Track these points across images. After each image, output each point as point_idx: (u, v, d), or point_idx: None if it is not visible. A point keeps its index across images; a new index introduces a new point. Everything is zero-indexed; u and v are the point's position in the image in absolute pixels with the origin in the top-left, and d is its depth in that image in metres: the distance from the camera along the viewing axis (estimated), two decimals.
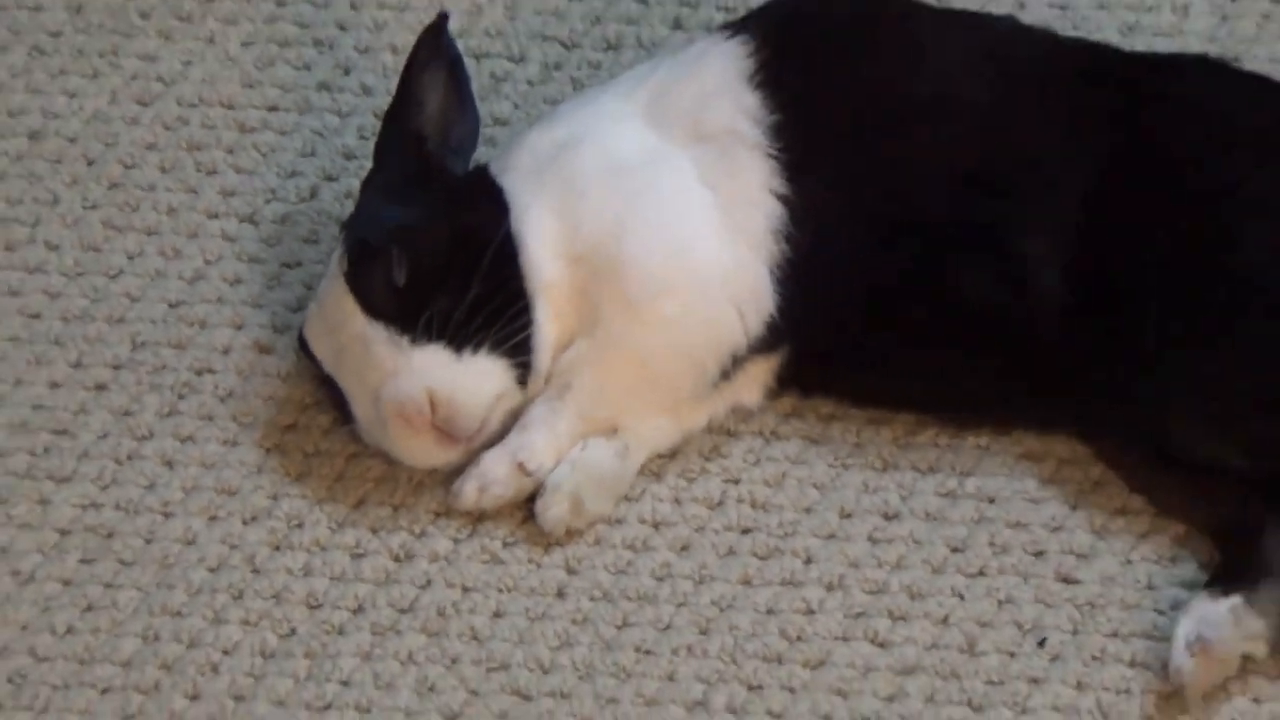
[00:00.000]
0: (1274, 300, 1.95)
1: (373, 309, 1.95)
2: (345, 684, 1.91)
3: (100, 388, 2.05)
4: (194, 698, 1.91)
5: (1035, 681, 1.90)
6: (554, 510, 1.96)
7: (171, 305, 2.09)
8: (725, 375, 2.01)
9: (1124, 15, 2.19)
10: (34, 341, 2.08)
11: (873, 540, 1.97)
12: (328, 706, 1.90)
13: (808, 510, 1.98)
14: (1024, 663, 1.90)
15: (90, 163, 2.16)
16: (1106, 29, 2.16)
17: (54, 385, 2.04)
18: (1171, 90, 2.07)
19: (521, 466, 1.97)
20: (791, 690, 1.89)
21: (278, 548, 1.98)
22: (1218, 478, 1.95)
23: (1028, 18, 2.18)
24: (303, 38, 2.18)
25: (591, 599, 1.95)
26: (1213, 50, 2.16)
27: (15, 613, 1.96)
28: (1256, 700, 1.87)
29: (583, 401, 1.99)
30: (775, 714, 1.89)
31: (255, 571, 1.97)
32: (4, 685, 1.93)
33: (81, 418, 2.04)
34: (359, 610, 1.95)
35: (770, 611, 1.94)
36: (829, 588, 1.95)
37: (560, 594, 1.95)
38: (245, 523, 1.99)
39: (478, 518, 1.99)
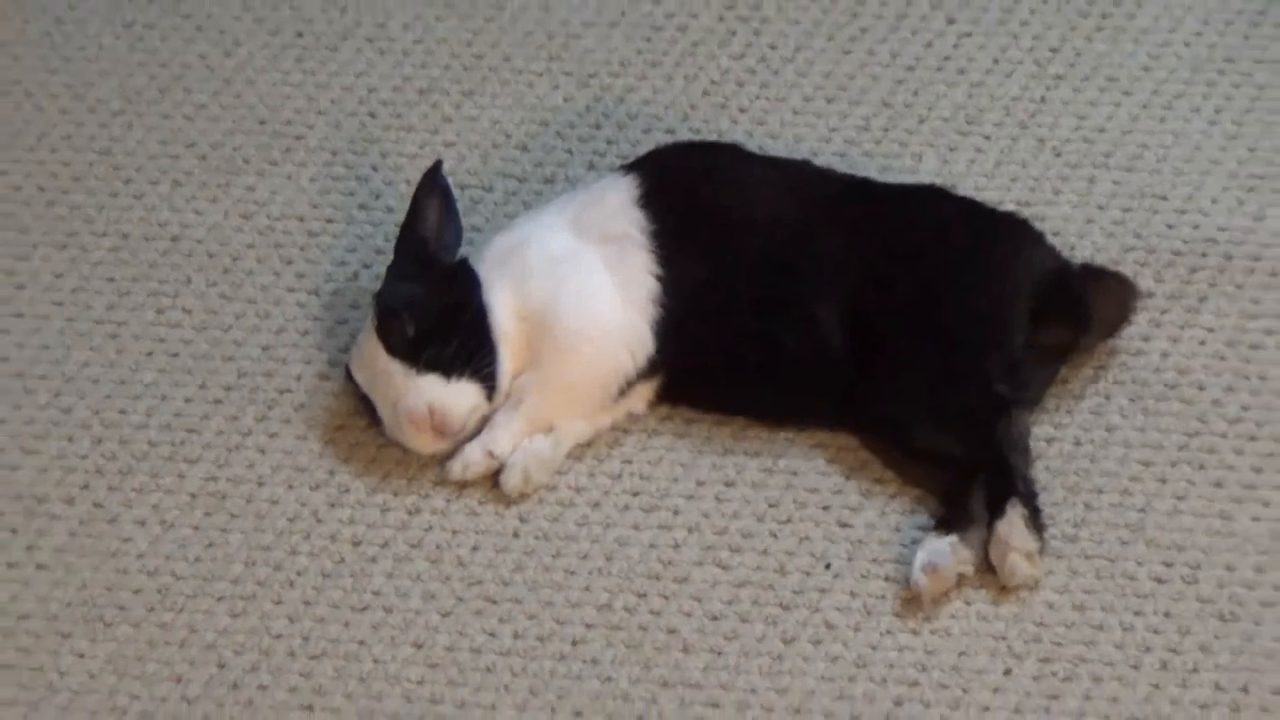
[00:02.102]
0: (966, 348, 1.98)
1: (392, 351, 1.95)
2: (376, 594, 1.91)
3: (217, 402, 2.03)
4: (278, 603, 1.91)
5: (823, 591, 1.90)
6: (512, 481, 1.97)
7: (264, 348, 2.06)
8: (622, 393, 2.02)
9: (880, 161, 2.17)
10: (173, 371, 2.05)
11: (718, 499, 1.97)
12: (365, 608, 1.90)
13: (675, 480, 1.98)
14: (816, 579, 1.91)
15: (210, 255, 2.13)
16: (870, 169, 2.14)
17: (188, 400, 2.02)
18: (909, 207, 2.08)
19: (490, 453, 1.98)
20: (665, 598, 1.90)
21: (332, 505, 1.97)
22: (939, 460, 1.97)
23: (819, 161, 2.17)
24: (348, 175, 2.14)
25: (535, 539, 1.95)
26: (941, 180, 2.15)
27: (161, 549, 1.94)
28: (967, 602, 1.88)
29: (530, 411, 1.99)
30: (655, 612, 1.89)
31: (318, 521, 1.96)
32: (154, 595, 1.91)
33: (205, 421, 2.01)
34: (385, 545, 1.95)
35: (651, 546, 1.94)
36: (689, 530, 1.95)
37: (515, 535, 1.96)
38: (311, 489, 1.98)
39: (461, 486, 1.99)
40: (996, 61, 2.34)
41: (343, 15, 2.43)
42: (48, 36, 2.44)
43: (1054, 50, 2.34)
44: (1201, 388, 2.06)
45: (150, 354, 2.12)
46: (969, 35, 2.35)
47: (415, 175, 2.06)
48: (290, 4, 2.44)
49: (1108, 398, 2.05)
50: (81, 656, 1.91)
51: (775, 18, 2.39)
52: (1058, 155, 2.25)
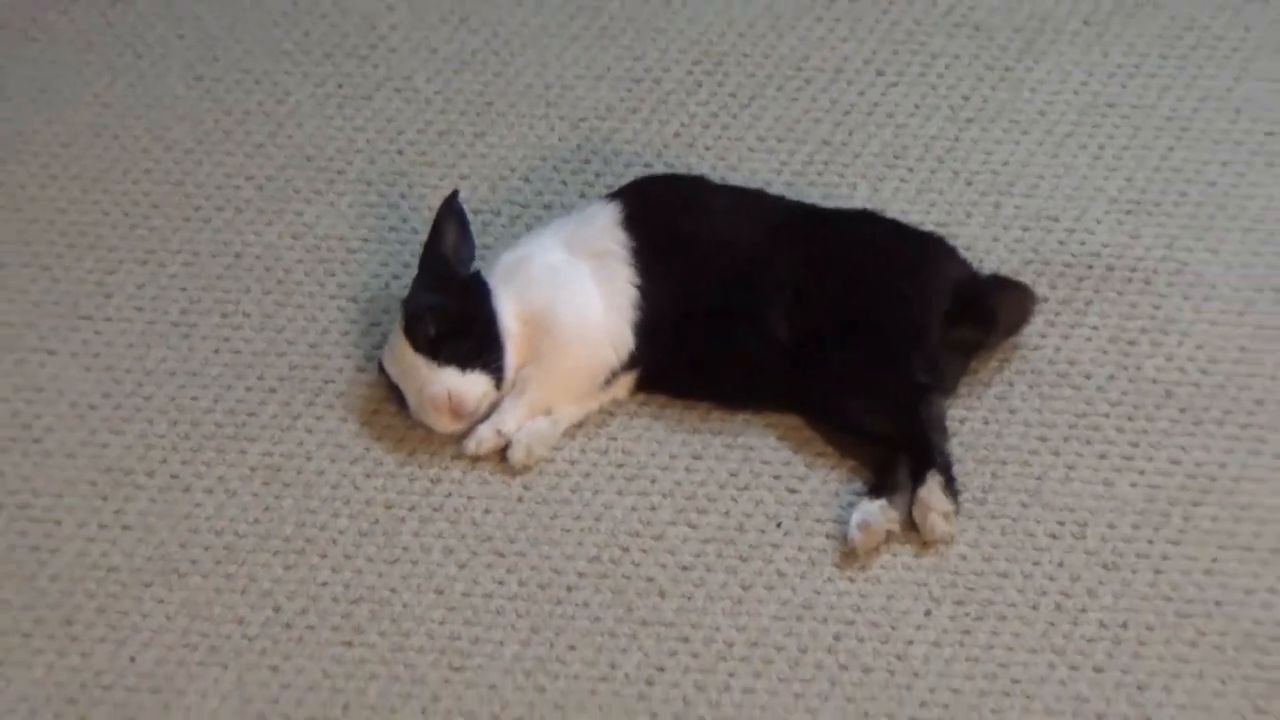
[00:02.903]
0: (893, 346, 1.99)
1: (417, 348, 1.95)
2: (404, 549, 1.92)
3: (272, 390, 2.03)
4: (323, 556, 1.91)
5: (775, 546, 1.91)
6: (517, 454, 1.97)
7: (311, 346, 2.06)
8: (607, 382, 2.02)
9: (821, 189, 2.17)
10: (236, 365, 2.05)
11: (687, 470, 1.97)
12: (395, 561, 1.90)
13: (652, 454, 1.98)
14: (770, 536, 1.92)
15: (266, 269, 2.13)
16: (813, 196, 2.14)
17: (248, 389, 2.02)
18: (844, 228, 2.09)
19: (499, 432, 1.98)
20: (644, 551, 1.90)
21: (368, 475, 1.97)
22: (871, 437, 1.98)
23: (771, 189, 2.17)
24: (380, 202, 2.13)
25: (536, 503, 1.95)
26: (871, 205, 2.14)
27: (226, 512, 1.94)
28: (894, 555, 1.89)
29: (531, 397, 1.99)
30: (635, 564, 1.90)
31: (356, 489, 1.96)
32: (221, 550, 1.92)
33: (262, 406, 2.01)
34: (412, 509, 1.95)
35: (633, 509, 1.94)
36: (664, 495, 1.95)
37: (520, 500, 1.96)
38: (350, 463, 1.98)
39: (475, 460, 1.98)
40: (917, 107, 2.33)
41: (375, 70, 2.42)
42: (131, 88, 2.43)
43: (965, 98, 2.34)
44: (1088, 376, 2.06)
45: (217, 351, 2.12)
46: (895, 85, 2.35)
47: (435, 202, 2.06)
48: (332, 61, 2.43)
49: (1010, 385, 2.05)
50: (160, 602, 1.91)
51: (734, 71, 2.39)
52: (969, 184, 2.25)
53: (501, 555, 1.93)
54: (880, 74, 2.38)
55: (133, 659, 1.87)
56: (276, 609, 1.90)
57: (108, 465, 2.03)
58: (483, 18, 2.50)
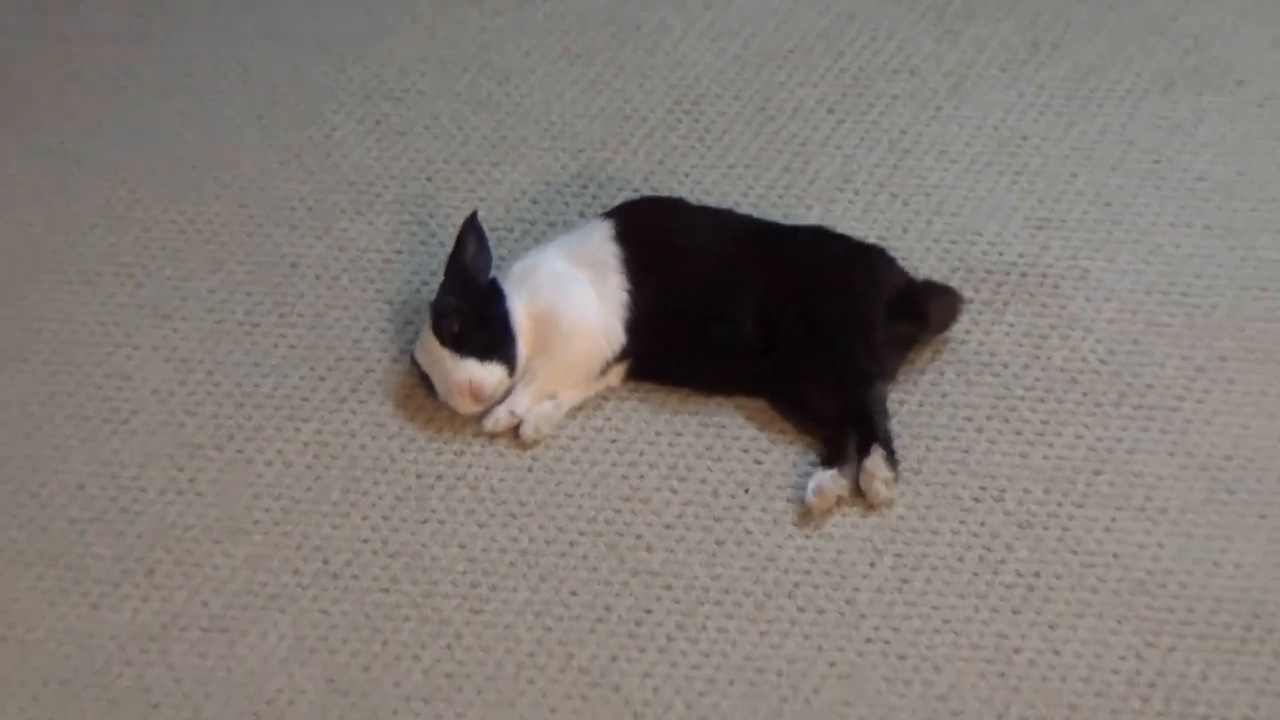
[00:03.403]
0: (843, 341, 1.98)
1: (443, 342, 1.95)
2: (433, 511, 1.91)
3: (322, 379, 2.03)
4: (364, 518, 1.91)
5: (744, 509, 1.90)
6: (527, 432, 1.96)
7: (355, 341, 2.06)
8: (602, 371, 2.01)
9: (783, 209, 2.16)
10: (292, 357, 2.05)
11: (669, 444, 1.97)
12: (425, 521, 1.90)
13: (640, 432, 1.97)
14: (739, 500, 1.92)
15: (317, 276, 2.13)
16: (775, 215, 2.12)
17: (302, 377, 2.02)
18: (799, 241, 2.08)
19: (512, 413, 1.97)
20: (634, 513, 1.90)
21: (403, 449, 1.96)
22: (824, 417, 1.97)
23: (740, 209, 2.17)
24: (412, 220, 2.12)
25: (543, 472, 1.95)
26: (824, 221, 2.13)
27: (284, 480, 1.93)
28: (843, 516, 1.88)
29: (539, 383, 1.98)
30: (626, 523, 1.90)
31: (393, 460, 1.96)
32: (279, 512, 1.92)
33: (314, 392, 2.01)
34: (439, 478, 1.94)
35: (624, 477, 1.94)
36: (650, 466, 1.95)
37: (529, 470, 1.95)
38: (388, 439, 1.97)
39: (492, 437, 1.98)
40: (862, 139, 2.33)
41: (408, 110, 2.42)
42: (205, 126, 2.43)
43: (903, 132, 2.34)
44: (1005, 366, 2.06)
45: (275, 345, 2.12)
46: (843, 121, 2.35)
47: (458, 221, 2.05)
48: (371, 102, 2.43)
49: (941, 374, 2.05)
50: (228, 556, 1.91)
51: (708, 110, 2.38)
52: (905, 205, 2.25)
53: (514, 516, 1.93)
54: (831, 112, 2.38)
55: (204, 604, 1.87)
56: (325, 561, 1.90)
57: (183, 441, 2.03)
58: (496, 66, 2.49)
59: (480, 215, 2.05)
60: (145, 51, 2.56)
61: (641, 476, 1.96)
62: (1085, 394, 2.02)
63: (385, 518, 1.94)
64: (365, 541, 1.91)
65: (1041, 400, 2.02)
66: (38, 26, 2.61)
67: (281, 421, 2.03)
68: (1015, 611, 1.82)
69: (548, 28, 2.55)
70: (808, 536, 1.90)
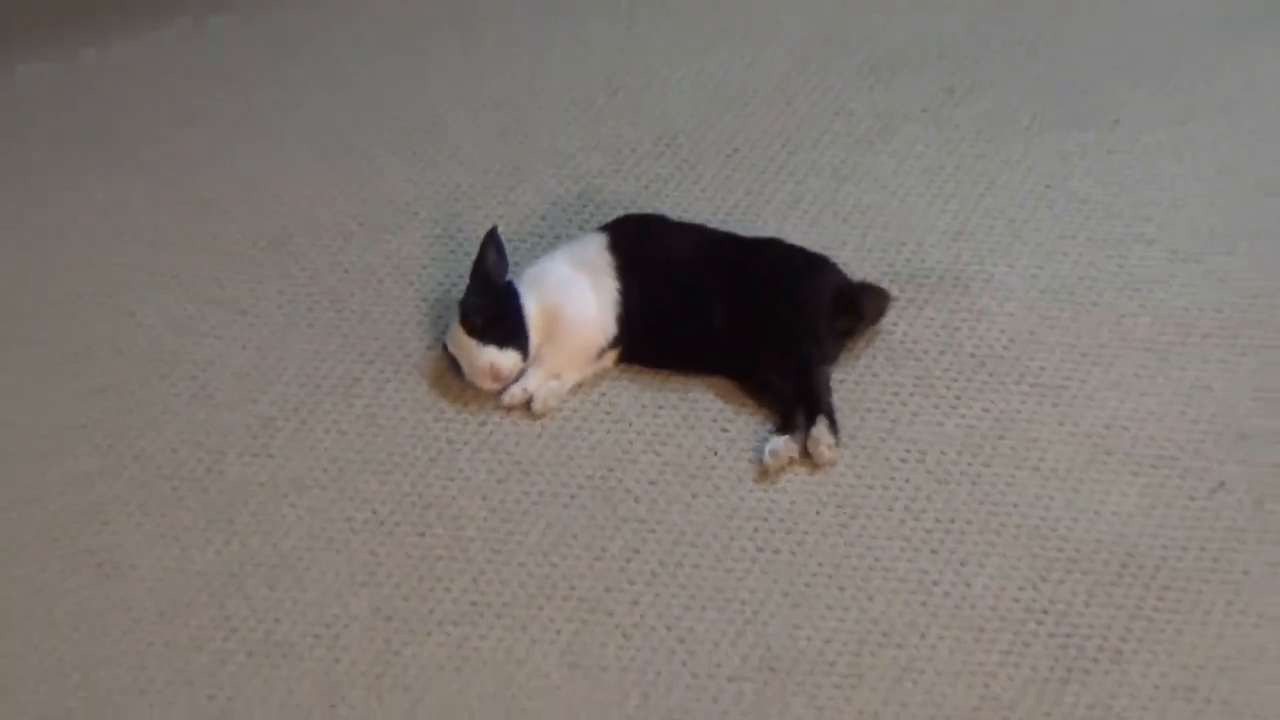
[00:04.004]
0: (794, 332, 1.98)
1: (469, 333, 1.94)
2: (460, 469, 1.90)
3: (370, 362, 2.02)
4: (405, 475, 1.90)
5: (714, 468, 1.90)
6: (537, 405, 1.96)
7: (398, 331, 2.05)
8: (599, 356, 2.00)
9: (745, 223, 2.12)
10: (346, 346, 2.05)
11: (653, 416, 1.96)
12: (454, 479, 1.89)
13: (630, 405, 1.96)
14: (710, 461, 1.91)
15: (366, 279, 2.10)
16: (739, 228, 2.10)
17: (353, 361, 2.00)
18: (759, 250, 2.07)
19: (525, 390, 1.96)
20: (624, 470, 1.89)
21: (436, 420, 1.95)
22: (779, 393, 1.96)
23: (711, 224, 2.15)
24: (444, 235, 2.08)
25: (551, 438, 1.94)
26: (779, 234, 2.12)
27: (339, 445, 1.92)
28: (794, 474, 1.88)
29: (547, 366, 1.98)
30: (618, 479, 1.89)
31: (427, 429, 1.95)
32: (335, 471, 1.91)
33: (364, 373, 2.00)
34: (466, 443, 1.93)
35: (615, 442, 1.93)
36: (637, 433, 1.94)
37: (539, 436, 1.94)
38: (424, 411, 1.97)
39: (509, 409, 1.97)
40: (810, 168, 2.33)
41: (439, 144, 2.42)
42: (269, 158, 2.43)
43: (843, 162, 2.34)
44: (925, 351, 2.05)
45: (331, 335, 2.11)
46: (794, 154, 2.35)
47: (481, 234, 2.05)
48: (409, 136, 2.43)
49: (874, 358, 2.05)
50: (293, 507, 1.91)
51: (686, 144, 2.38)
52: (845, 221, 2.25)
53: (526, 474, 1.93)
54: (784, 146, 2.38)
55: (274, 546, 1.87)
56: (374, 511, 1.90)
57: (257, 414, 2.02)
58: (512, 107, 2.49)
59: (498, 230, 2.05)
60: (225, 95, 2.56)
61: (630, 441, 1.96)
62: (990, 374, 2.02)
63: (421, 475, 1.93)
64: (405, 495, 1.91)
65: (954, 380, 2.02)
66: (146, 74, 2.60)
67: (337, 398, 2.03)
68: (934, 551, 1.82)
69: (554, 77, 2.55)
70: (765, 490, 1.89)
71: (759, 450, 1.93)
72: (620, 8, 2.66)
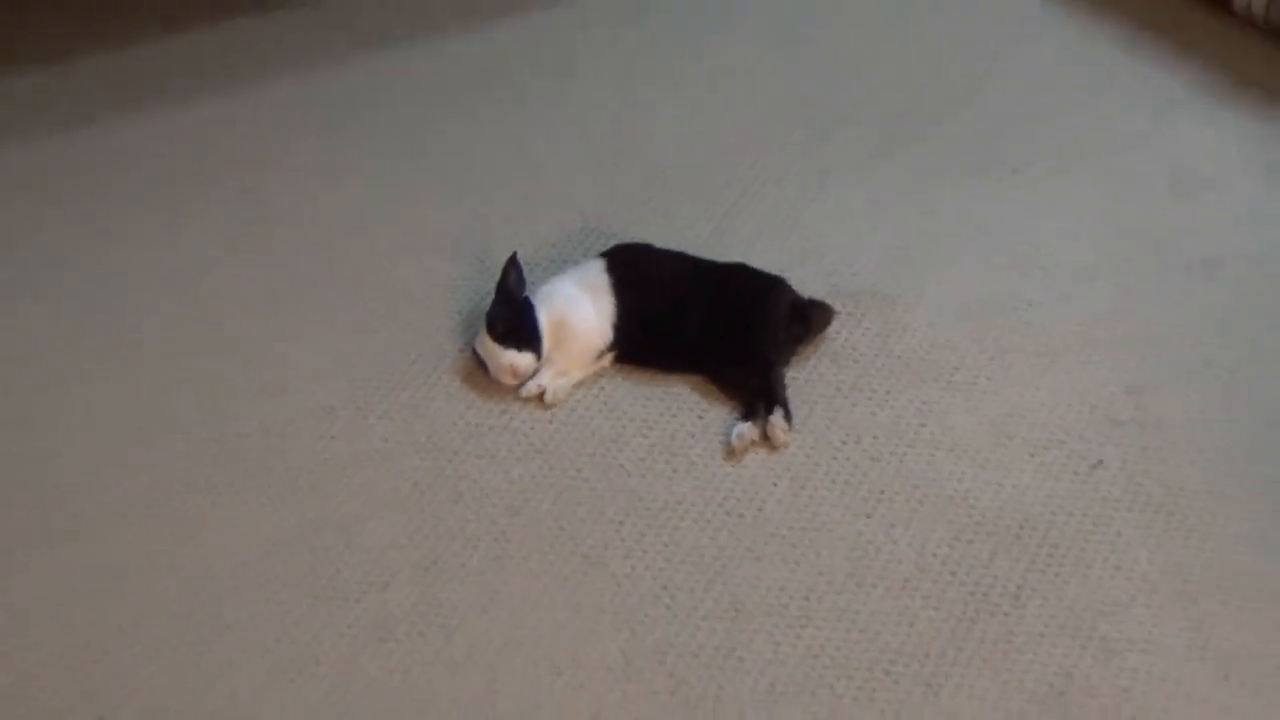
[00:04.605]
0: (758, 339, 1.98)
1: (494, 338, 1.94)
2: (486, 448, 1.90)
3: (414, 362, 2.01)
4: (441, 452, 1.89)
5: (690, 448, 1.90)
6: (548, 397, 1.95)
7: (437, 338, 2.04)
8: (598, 358, 2.00)
9: (717, 251, 2.11)
10: (395, 347, 2.01)
11: (642, 406, 1.95)
12: (480, 456, 1.88)
13: (623, 397, 1.95)
14: (687, 443, 1.92)
15: (415, 296, 2.06)
16: (711, 255, 2.07)
17: (401, 361, 2.00)
18: (727, 272, 2.06)
19: (540, 385, 1.96)
20: (618, 450, 1.89)
21: (467, 408, 1.94)
22: (744, 389, 1.96)
23: (689, 250, 2.13)
24: (474, 261, 2.05)
25: (559, 425, 1.94)
26: (744, 260, 2.10)
27: (389, 423, 1.92)
28: (756, 453, 1.88)
29: (557, 365, 1.97)
30: (614, 457, 1.89)
31: (460, 415, 1.94)
32: (386, 450, 1.90)
33: (409, 370, 2.00)
34: (490, 427, 1.93)
35: (611, 427, 1.92)
36: (630, 420, 1.93)
37: (550, 421, 1.94)
38: (458, 401, 1.96)
39: (526, 400, 1.97)
40: (770, 208, 2.32)
41: (471, 185, 2.40)
42: (341, 205, 2.40)
43: (795, 203, 2.33)
44: (863, 354, 2.05)
45: (384, 339, 2.10)
46: (756, 194, 2.33)
47: (503, 259, 2.05)
48: (447, 181, 2.41)
49: (820, 360, 2.05)
50: (349, 479, 1.90)
51: (670, 186, 2.36)
52: (797, 250, 2.24)
53: (539, 452, 1.93)
54: (748, 187, 2.38)
55: (335, 511, 1.87)
56: (415, 483, 1.89)
57: (320, 403, 2.02)
58: (530, 155, 2.49)
59: (518, 255, 2.05)
60: (312, 144, 2.54)
61: (624, 427, 1.96)
62: (914, 374, 2.02)
63: (455, 453, 1.93)
64: (441, 470, 1.91)
65: (885, 378, 2.02)
66: (248, 127, 2.58)
67: (386, 391, 2.02)
68: (868, 516, 1.82)
69: (563, 134, 2.55)
70: (732, 467, 1.90)
71: (727, 434, 1.93)
72: (617, 75, 2.66)
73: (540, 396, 1.99)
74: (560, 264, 2.20)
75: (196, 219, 2.37)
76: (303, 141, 2.55)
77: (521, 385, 2.00)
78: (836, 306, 2.11)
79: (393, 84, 2.65)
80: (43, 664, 1.69)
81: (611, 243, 2.18)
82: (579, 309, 2.02)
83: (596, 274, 2.06)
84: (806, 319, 2.06)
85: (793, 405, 1.96)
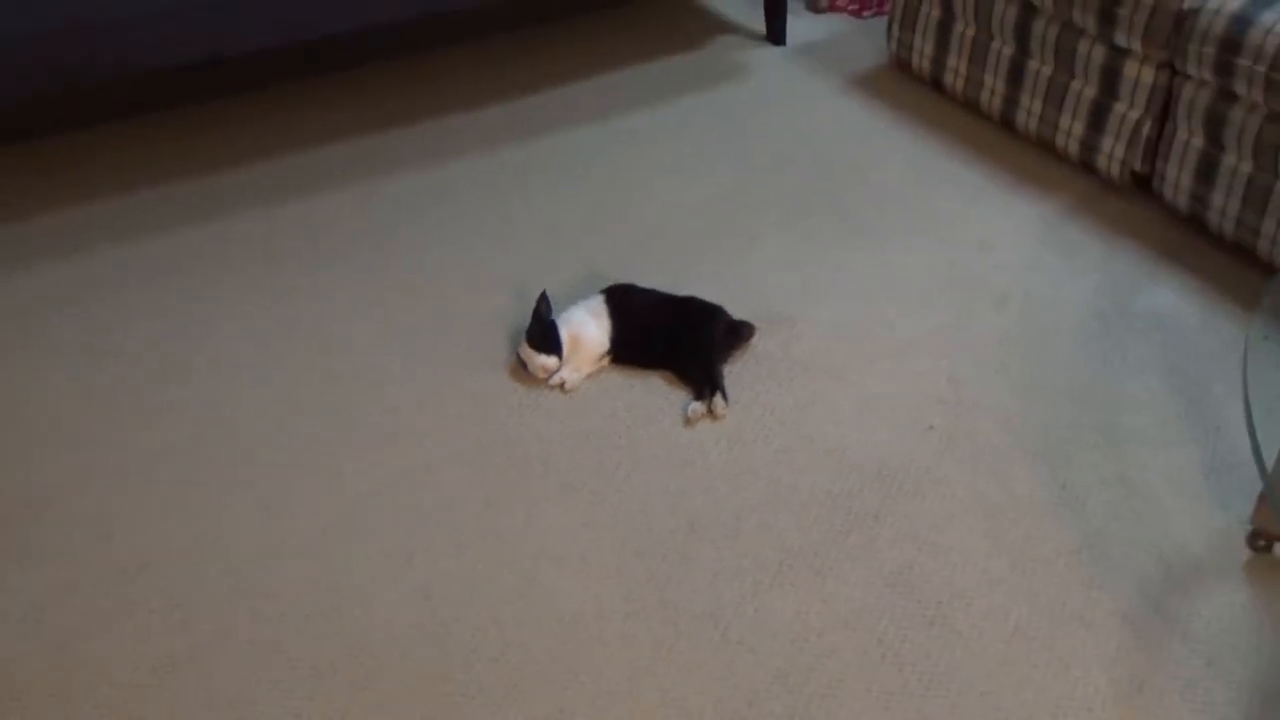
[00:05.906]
0: (705, 349, 1.97)
1: (531, 347, 1.93)
2: (524, 420, 1.89)
3: (474, 365, 1.98)
4: (488, 428, 1.88)
5: (659, 420, 1.89)
6: (567, 387, 1.94)
7: (489, 349, 2.01)
8: (599, 360, 1.99)
9: (682, 290, 2.08)
10: (452, 352, 1.98)
11: (629, 391, 1.94)
12: (522, 426, 1.87)
13: (617, 385, 1.95)
14: (658, 418, 1.90)
15: (472, 321, 1.97)
16: (676, 290, 2.05)
17: (458, 364, 1.96)
18: (685, 304, 2.06)
19: (561, 378, 1.95)
20: (612, 424, 1.88)
21: (511, 394, 1.92)
22: (695, 379, 1.95)
23: (661, 288, 2.11)
24: (516, 297, 2.05)
25: (574, 404, 1.93)
26: (698, 294, 2.08)
27: (445, 414, 1.89)
28: (704, 424, 1.88)
29: (572, 364, 1.97)
30: (610, 427, 1.87)
31: (504, 400, 1.93)
32: (439, 433, 1.89)
33: (467, 372, 1.96)
34: (527, 407, 1.92)
35: (608, 405, 1.92)
36: (620, 402, 1.92)
37: (569, 401, 1.93)
38: (506, 392, 1.94)
39: (552, 387, 1.95)
40: (715, 259, 2.30)
41: (516, 247, 2.35)
42: (406, 261, 2.32)
43: (735, 253, 2.29)
44: (774, 356, 2.04)
45: (453, 350, 2.07)
46: (707, 251, 2.30)
47: (537, 294, 2.02)
48: (501, 245, 2.35)
49: (746, 361, 2.05)
50: (422, 446, 1.89)
51: (655, 246, 2.31)
52: (736, 289, 2.21)
53: (561, 423, 1.92)
54: (696, 252, 2.35)
55: (410, 466, 1.84)
56: (478, 441, 1.88)
57: (380, 399, 1.97)
58: (553, 227, 2.44)
59: (546, 293, 2.04)
60: (410, 228, 2.46)
61: (617, 405, 1.96)
62: (808, 369, 2.03)
63: (502, 425, 1.92)
64: (494, 435, 1.89)
65: (789, 372, 2.02)
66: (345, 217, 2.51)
67: (455, 384, 2.00)
68: (779, 463, 1.84)
69: (576, 211, 2.50)
70: (687, 430, 1.90)
71: (685, 409, 1.94)
72: (612, 175, 2.62)
73: (562, 386, 2.00)
74: (574, 298, 2.19)
75: (339, 277, 2.32)
76: (405, 224, 2.51)
77: (549, 378, 2.00)
78: (757, 325, 2.11)
79: (459, 183, 2.61)
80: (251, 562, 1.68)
81: (608, 283, 2.17)
82: (587, 328, 2.03)
83: (598, 304, 2.07)
84: (738, 333, 2.07)
85: (730, 391, 1.97)
